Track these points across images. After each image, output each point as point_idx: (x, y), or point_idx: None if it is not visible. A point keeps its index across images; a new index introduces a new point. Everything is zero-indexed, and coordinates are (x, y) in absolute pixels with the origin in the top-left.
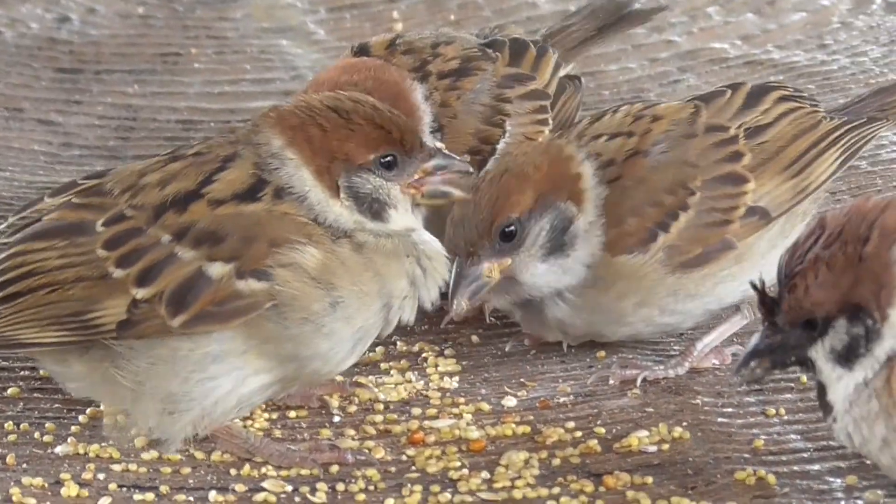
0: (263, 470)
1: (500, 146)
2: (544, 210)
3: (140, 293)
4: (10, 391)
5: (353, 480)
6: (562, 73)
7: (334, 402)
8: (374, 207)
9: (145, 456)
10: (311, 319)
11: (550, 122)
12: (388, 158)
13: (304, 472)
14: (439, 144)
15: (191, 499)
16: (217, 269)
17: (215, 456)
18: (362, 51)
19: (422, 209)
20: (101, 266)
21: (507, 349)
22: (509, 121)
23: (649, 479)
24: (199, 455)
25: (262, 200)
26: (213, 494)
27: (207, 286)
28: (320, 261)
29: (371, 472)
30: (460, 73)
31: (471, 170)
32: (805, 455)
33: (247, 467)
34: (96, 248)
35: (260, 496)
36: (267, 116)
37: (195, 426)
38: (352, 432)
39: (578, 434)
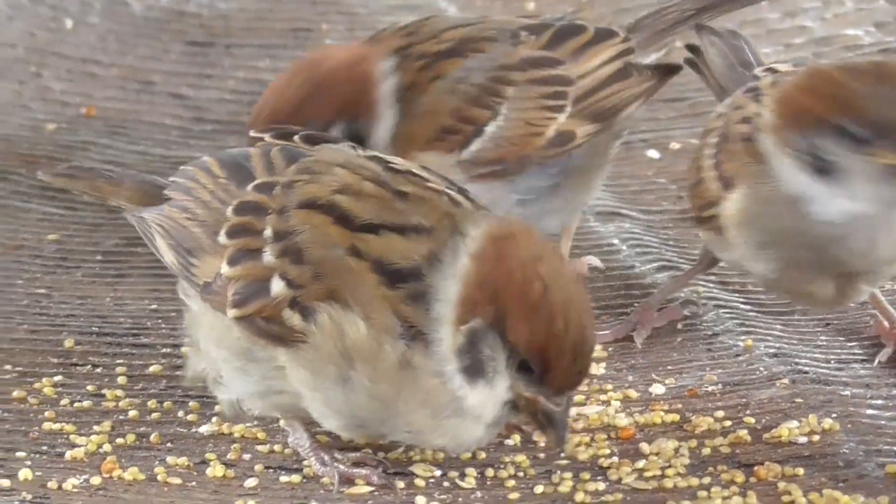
0: (411, 454)
1: (491, 128)
2: None
3: (225, 269)
4: (152, 368)
5: (503, 466)
6: (645, 60)
7: None
8: (472, 376)
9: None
10: (318, 380)
11: (568, 108)
12: (538, 366)
13: (453, 456)
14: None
15: (335, 482)
16: (279, 287)
17: (362, 439)
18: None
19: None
20: (219, 225)
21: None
22: (507, 104)
23: (800, 471)
24: (346, 435)
25: (396, 289)
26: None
27: (265, 297)
28: (361, 337)
29: (520, 458)
30: (444, 55)
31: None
32: None
33: (398, 451)
34: (230, 206)
35: (407, 480)
36: (493, 225)
37: (235, 406)
38: None
39: (728, 423)
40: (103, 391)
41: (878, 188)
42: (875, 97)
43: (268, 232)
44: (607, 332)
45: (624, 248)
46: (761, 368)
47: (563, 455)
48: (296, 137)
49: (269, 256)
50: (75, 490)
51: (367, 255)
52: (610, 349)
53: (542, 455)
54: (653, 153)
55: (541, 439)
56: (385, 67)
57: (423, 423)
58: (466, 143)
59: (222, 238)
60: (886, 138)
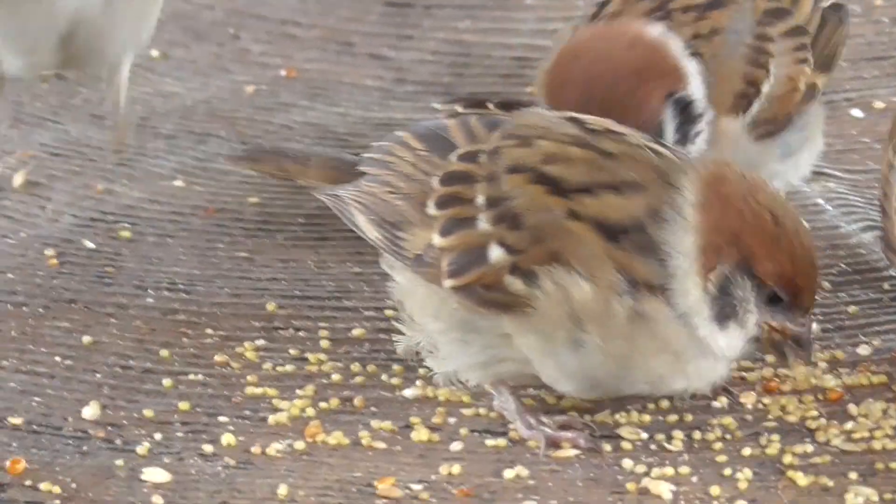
0: (618, 416)
1: (766, 88)
2: None
3: (437, 240)
4: (355, 332)
5: (710, 429)
6: (825, 3)
7: None
8: (722, 320)
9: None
10: (548, 345)
11: (811, 60)
12: (778, 294)
13: (660, 418)
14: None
15: (541, 445)
16: (497, 254)
17: (567, 401)
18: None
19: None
20: (427, 196)
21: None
22: (773, 61)
23: None
24: (551, 400)
25: (619, 242)
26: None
27: (483, 265)
28: (588, 297)
29: (727, 420)
30: (707, 7)
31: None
32: None
33: (604, 413)
34: (435, 177)
35: (614, 443)
36: (701, 171)
37: (450, 378)
38: None
39: None
40: (306, 355)
41: None
42: None
43: (480, 199)
44: None
45: (829, 207)
46: None
47: (770, 417)
48: (489, 104)
49: (483, 223)
50: (279, 455)
51: (586, 215)
52: (816, 308)
53: (749, 417)
54: (857, 112)
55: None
56: (663, 32)
57: (664, 371)
58: (749, 106)
59: (431, 209)
60: None
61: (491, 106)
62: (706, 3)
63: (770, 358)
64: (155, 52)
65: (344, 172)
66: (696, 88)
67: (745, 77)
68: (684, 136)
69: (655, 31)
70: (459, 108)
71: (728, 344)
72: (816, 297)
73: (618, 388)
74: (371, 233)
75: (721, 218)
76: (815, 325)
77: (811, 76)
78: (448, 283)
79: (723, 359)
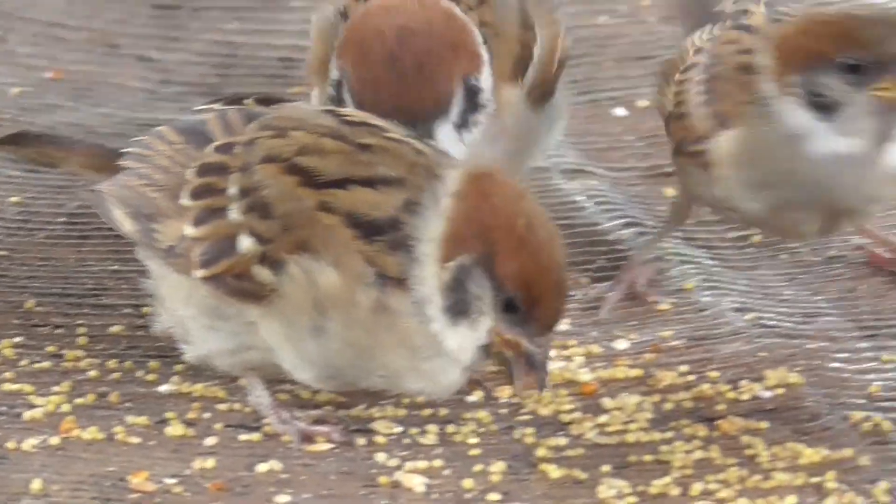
0: (372, 410)
1: (537, 51)
2: None
3: (189, 231)
4: (113, 329)
5: (464, 423)
6: None
7: None
8: (455, 315)
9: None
10: (290, 331)
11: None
12: (516, 302)
13: (415, 413)
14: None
15: (295, 439)
16: (247, 243)
17: (322, 396)
18: None
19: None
20: (182, 188)
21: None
22: (537, 23)
23: (764, 425)
24: (305, 395)
25: (373, 243)
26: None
27: (233, 255)
28: (333, 284)
29: (482, 413)
30: None
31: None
32: None
33: (359, 407)
34: (190, 168)
35: (368, 437)
36: (468, 167)
37: (204, 362)
38: None
39: (691, 378)
40: (63, 351)
41: (879, 122)
42: (877, 33)
43: (232, 190)
44: (612, 293)
45: (589, 204)
46: (725, 323)
47: (524, 411)
48: (246, 101)
49: (234, 214)
50: (34, 450)
51: (338, 209)
52: (573, 305)
53: (503, 411)
54: (620, 111)
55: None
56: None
57: (399, 366)
58: (526, 71)
59: (185, 200)
60: (889, 72)
61: (249, 102)
62: None
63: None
64: None
65: (106, 161)
66: (485, 78)
67: (520, 40)
68: (464, 123)
69: (460, 13)
70: (218, 106)
71: (459, 345)
72: (560, 321)
73: (355, 378)
74: (126, 226)
75: (474, 210)
76: (552, 353)
77: (563, 38)
78: (198, 273)
79: (458, 364)
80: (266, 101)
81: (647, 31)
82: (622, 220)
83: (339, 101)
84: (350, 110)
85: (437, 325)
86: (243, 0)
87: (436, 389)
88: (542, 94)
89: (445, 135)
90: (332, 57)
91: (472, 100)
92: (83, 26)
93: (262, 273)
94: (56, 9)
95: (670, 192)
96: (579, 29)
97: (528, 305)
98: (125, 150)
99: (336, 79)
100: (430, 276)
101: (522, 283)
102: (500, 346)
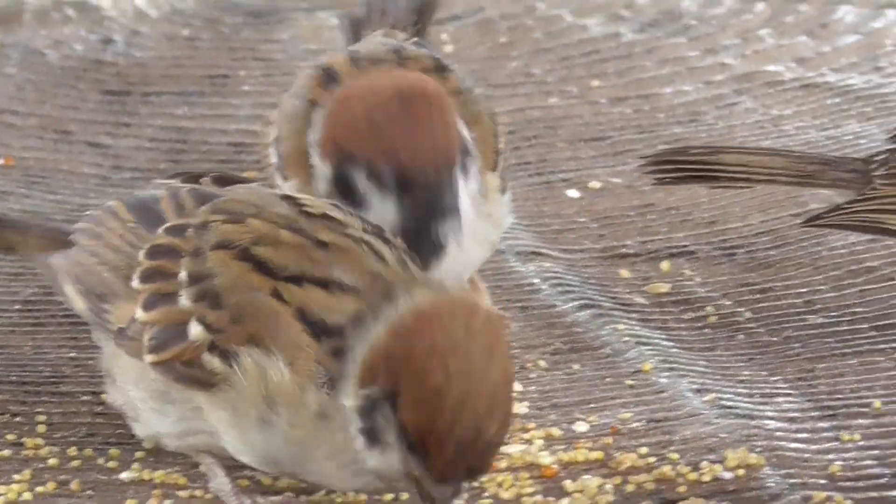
0: (332, 496)
1: (501, 143)
2: None
3: (139, 314)
4: (72, 417)
5: None
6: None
7: None
8: (371, 440)
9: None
10: (236, 419)
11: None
12: (419, 452)
13: (376, 497)
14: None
15: None
16: (197, 331)
17: (282, 482)
18: (328, 72)
19: None
20: (133, 269)
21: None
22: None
23: None
24: (266, 480)
25: (321, 342)
26: None
27: (183, 342)
28: (284, 382)
29: None
30: (440, 70)
31: None
32: (882, 481)
33: (319, 493)
34: (141, 250)
35: None
36: (429, 292)
37: (155, 440)
38: None
39: (652, 460)
40: (23, 440)
41: None
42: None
43: (183, 275)
44: None
45: (545, 287)
46: (685, 404)
47: (486, 494)
48: (203, 179)
49: (184, 300)
50: None
51: (291, 301)
52: (532, 387)
53: (465, 496)
54: (573, 192)
55: None
56: None
57: (332, 473)
58: (498, 159)
59: (135, 283)
60: None
61: (205, 181)
62: (436, 66)
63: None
64: None
65: (62, 243)
66: (474, 154)
67: (493, 130)
68: (465, 171)
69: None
70: (175, 183)
71: (379, 465)
72: (473, 476)
73: (296, 473)
74: (77, 304)
75: (395, 348)
76: (517, 424)
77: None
78: (149, 358)
79: (385, 478)
80: (222, 180)
81: (597, 112)
82: (578, 303)
83: (342, 191)
84: (310, 199)
85: (358, 443)
86: (192, 85)
87: (371, 492)
88: (503, 181)
89: (460, 181)
90: (310, 149)
91: (465, 154)
92: (33, 112)
93: (213, 362)
94: (5, 94)
95: (625, 273)
96: (531, 110)
97: (426, 458)
98: (76, 225)
99: (332, 172)
100: (350, 396)
101: (416, 434)
102: (412, 478)
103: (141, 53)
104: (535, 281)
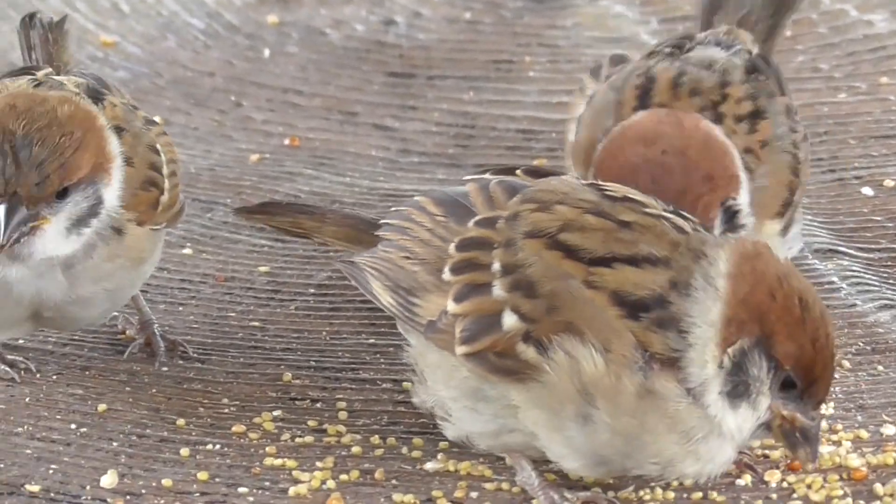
0: (642, 493)
1: (797, 196)
2: None
3: (451, 307)
4: (373, 404)
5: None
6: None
7: None
8: (734, 398)
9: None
10: (555, 419)
11: None
12: (792, 380)
13: (684, 496)
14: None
15: None
16: (511, 321)
17: (590, 477)
18: (646, 89)
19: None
20: (443, 262)
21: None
22: (801, 167)
23: None
24: (573, 475)
25: (639, 320)
26: None
27: (497, 332)
28: (599, 372)
29: (752, 498)
30: (754, 116)
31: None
32: None
33: (628, 489)
34: (452, 243)
35: None
36: (736, 245)
37: (464, 441)
38: None
39: None
40: (325, 426)
41: None
42: None
43: (496, 265)
44: None
45: (844, 286)
46: None
47: (795, 496)
48: (518, 171)
49: (498, 290)
50: None
51: (604, 287)
52: (836, 388)
53: (773, 496)
54: (867, 190)
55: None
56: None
57: (673, 451)
58: (786, 211)
59: (447, 275)
60: None
61: (519, 173)
62: (752, 112)
63: (774, 454)
64: (157, 119)
65: (361, 232)
66: (744, 198)
67: (789, 185)
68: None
69: (721, 134)
70: (485, 176)
71: (738, 425)
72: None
73: (626, 467)
74: (385, 299)
75: (751, 292)
76: (824, 423)
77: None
78: (461, 349)
79: (732, 441)
80: (534, 173)
81: (887, 109)
82: (878, 303)
83: None
84: (611, 184)
85: (715, 407)
86: (477, 69)
87: (713, 469)
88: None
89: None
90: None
91: (731, 220)
92: (317, 93)
93: (528, 352)
94: (289, 74)
95: None
96: (819, 105)
97: (806, 383)
98: (381, 220)
99: None
100: (708, 359)
101: (801, 363)
102: (780, 420)
103: (423, 36)
104: (835, 279)
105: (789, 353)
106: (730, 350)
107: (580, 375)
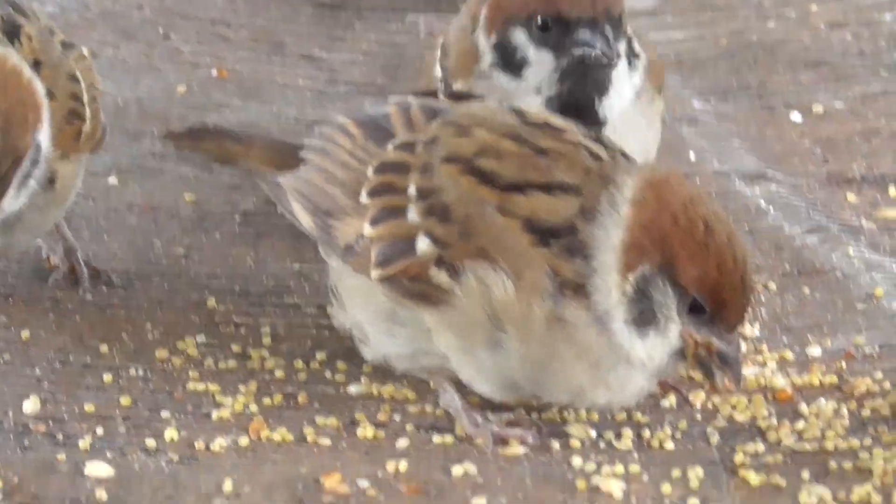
0: (565, 414)
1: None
2: None
3: (367, 230)
4: (297, 329)
5: (660, 427)
6: None
7: None
8: (641, 326)
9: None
10: (466, 343)
11: None
12: (700, 305)
13: (608, 417)
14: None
15: (488, 443)
16: (424, 245)
17: (516, 401)
18: None
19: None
20: (361, 185)
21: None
22: None
23: None
24: (499, 398)
25: (550, 247)
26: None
27: (410, 256)
28: (509, 297)
29: (676, 419)
30: None
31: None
32: None
33: (552, 411)
34: (370, 165)
35: (562, 441)
36: (645, 172)
37: (383, 363)
38: None
39: (887, 385)
40: (248, 351)
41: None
42: None
43: (412, 190)
44: None
45: (772, 209)
46: None
47: (720, 416)
48: (440, 95)
49: (413, 215)
50: (223, 451)
51: (517, 213)
52: (762, 309)
53: (698, 416)
54: (795, 116)
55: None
56: None
57: (583, 379)
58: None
59: (364, 198)
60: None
61: (441, 97)
62: None
63: (697, 376)
64: (84, 51)
65: (287, 156)
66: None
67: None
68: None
69: None
70: (407, 98)
71: (648, 353)
72: (746, 316)
73: (535, 393)
74: (305, 221)
75: (653, 218)
76: (743, 346)
77: None
78: (375, 273)
79: (643, 370)
80: (457, 96)
81: (816, 37)
82: (806, 226)
83: (503, 60)
84: (532, 109)
85: (622, 335)
86: (407, 1)
87: (623, 398)
88: None
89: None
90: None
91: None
92: (245, 24)
93: (440, 276)
94: (217, 6)
95: (852, 198)
96: (749, 33)
97: (714, 306)
98: (305, 143)
99: (496, 40)
100: (611, 286)
101: (706, 286)
102: (693, 347)
103: None
104: (762, 203)
105: (692, 278)
106: (631, 276)
107: (490, 301)
